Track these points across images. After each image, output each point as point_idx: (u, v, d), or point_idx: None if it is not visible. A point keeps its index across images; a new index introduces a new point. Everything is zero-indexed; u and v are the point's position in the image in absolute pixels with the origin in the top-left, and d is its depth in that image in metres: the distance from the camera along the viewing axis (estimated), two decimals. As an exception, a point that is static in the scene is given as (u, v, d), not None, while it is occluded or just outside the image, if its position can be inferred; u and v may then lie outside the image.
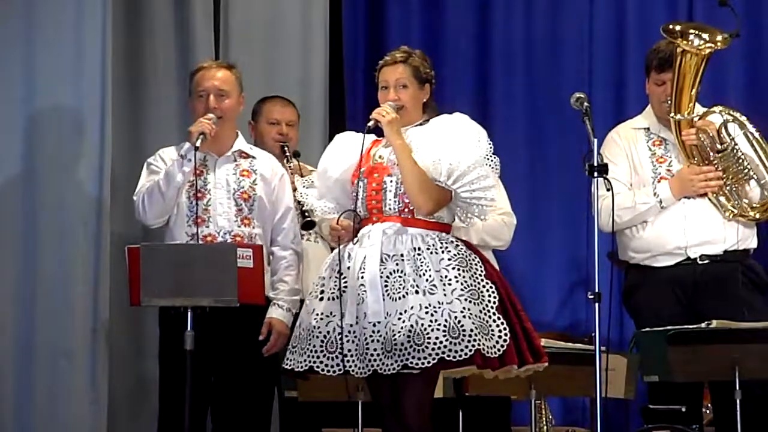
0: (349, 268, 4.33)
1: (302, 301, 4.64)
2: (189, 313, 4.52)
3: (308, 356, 4.31)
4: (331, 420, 5.51)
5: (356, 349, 4.24)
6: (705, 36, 5.03)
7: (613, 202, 4.61)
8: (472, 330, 4.16)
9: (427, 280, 4.23)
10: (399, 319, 4.18)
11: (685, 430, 4.82)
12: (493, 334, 4.22)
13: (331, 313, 4.31)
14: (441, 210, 4.39)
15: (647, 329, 4.81)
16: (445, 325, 4.15)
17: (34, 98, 5.38)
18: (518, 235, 5.31)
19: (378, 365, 4.18)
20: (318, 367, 4.28)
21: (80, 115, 5.42)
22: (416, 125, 4.50)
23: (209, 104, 4.88)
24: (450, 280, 4.23)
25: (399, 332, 4.16)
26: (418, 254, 4.28)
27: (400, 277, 4.25)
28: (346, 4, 6.48)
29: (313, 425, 5.46)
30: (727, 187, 5.10)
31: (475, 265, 4.32)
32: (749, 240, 5.14)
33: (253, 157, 4.99)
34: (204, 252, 4.63)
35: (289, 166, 5.19)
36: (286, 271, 4.93)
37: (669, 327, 4.65)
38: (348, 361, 4.24)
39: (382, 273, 4.26)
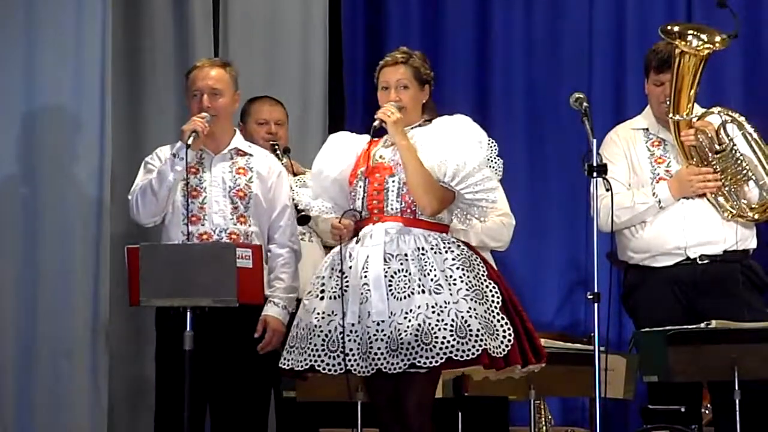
0: (350, 267, 4.33)
1: (299, 300, 4.64)
2: (188, 313, 4.52)
3: (309, 355, 4.30)
4: (330, 420, 5.51)
5: (358, 348, 4.24)
6: (703, 37, 5.03)
7: (612, 202, 4.61)
8: (478, 330, 4.17)
9: (432, 279, 4.23)
10: (405, 318, 4.19)
11: (685, 431, 4.82)
12: (498, 334, 4.23)
13: (332, 312, 4.31)
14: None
15: (646, 329, 4.81)
16: (452, 325, 4.16)
17: (33, 98, 5.39)
18: (518, 235, 5.31)
19: (383, 364, 4.18)
20: (319, 366, 4.28)
21: (80, 115, 5.43)
22: (416, 126, 4.50)
23: (203, 103, 4.89)
24: (455, 280, 4.24)
25: (405, 331, 4.16)
26: (422, 254, 4.28)
27: (405, 276, 4.25)
28: (345, 3, 6.49)
29: (310, 425, 5.46)
30: (726, 188, 5.10)
31: (478, 265, 4.33)
32: (749, 240, 5.15)
33: (250, 155, 4.99)
34: (203, 252, 4.62)
35: (282, 164, 5.19)
36: (282, 268, 4.93)
37: (668, 327, 4.65)
38: (350, 360, 4.24)
39: (386, 272, 4.27)
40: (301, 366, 4.32)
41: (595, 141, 4.47)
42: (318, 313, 4.33)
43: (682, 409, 4.93)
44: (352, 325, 4.26)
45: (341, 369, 4.25)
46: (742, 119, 5.12)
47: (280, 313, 4.85)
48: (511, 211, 5.26)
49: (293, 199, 4.94)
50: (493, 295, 4.28)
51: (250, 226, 4.90)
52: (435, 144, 4.39)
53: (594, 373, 4.34)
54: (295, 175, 5.21)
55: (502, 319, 4.26)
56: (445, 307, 4.19)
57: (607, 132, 5.29)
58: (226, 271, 4.48)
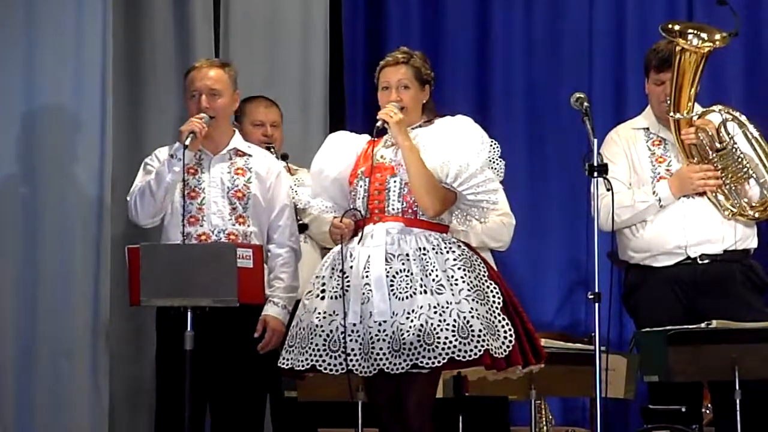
0: (351, 267, 4.33)
1: (298, 300, 4.64)
2: (189, 313, 4.52)
3: (310, 355, 4.30)
4: (329, 420, 5.51)
5: (360, 348, 4.24)
6: (704, 35, 5.03)
7: (613, 201, 4.61)
8: (480, 330, 4.17)
9: (434, 279, 4.23)
10: (407, 318, 4.18)
11: (685, 430, 4.82)
12: (500, 335, 4.23)
13: (333, 312, 4.31)
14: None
15: (647, 329, 4.81)
16: (454, 325, 4.16)
17: (33, 98, 5.38)
18: (518, 235, 5.31)
19: (385, 364, 4.18)
20: (320, 365, 4.28)
21: (80, 115, 5.42)
22: (417, 126, 4.50)
23: (201, 104, 4.88)
24: (456, 280, 4.24)
25: (408, 331, 4.16)
26: (424, 254, 4.28)
27: (407, 276, 4.25)
28: (346, 3, 6.48)
29: (310, 425, 5.46)
30: (726, 186, 5.10)
31: (479, 266, 4.33)
32: (749, 240, 5.14)
33: (249, 155, 4.99)
34: (204, 252, 4.63)
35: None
36: (282, 268, 4.92)
37: (669, 327, 4.65)
38: (351, 360, 4.24)
39: (387, 272, 4.26)
40: (302, 366, 4.32)
41: (596, 141, 4.47)
42: (319, 313, 4.33)
43: (683, 409, 4.93)
44: (354, 325, 4.26)
45: (342, 369, 4.25)
46: (742, 117, 5.12)
47: (279, 313, 4.85)
48: (511, 210, 5.26)
49: (293, 198, 4.95)
50: (494, 296, 4.29)
51: (248, 226, 4.90)
52: (437, 145, 4.39)
53: (594, 373, 4.34)
54: (292, 175, 5.21)
55: (503, 319, 4.26)
56: (447, 308, 4.19)
57: (607, 132, 5.29)
58: (226, 271, 4.48)
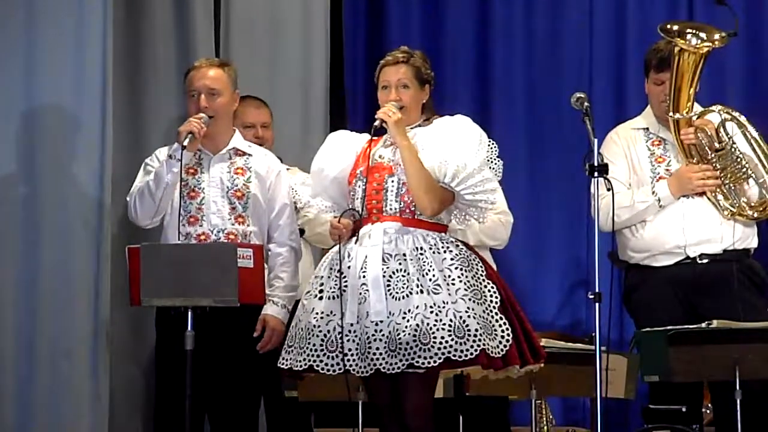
0: (349, 267, 4.33)
1: (298, 300, 4.64)
2: (189, 313, 4.52)
3: (308, 355, 4.31)
4: (328, 420, 5.51)
5: (357, 349, 4.24)
6: (702, 35, 5.04)
7: (613, 202, 4.61)
8: (477, 330, 4.17)
9: (430, 279, 4.23)
10: (404, 318, 4.19)
11: (686, 430, 4.83)
12: (497, 334, 4.23)
13: (331, 312, 4.31)
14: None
15: (647, 329, 4.81)
16: (450, 325, 4.16)
17: (34, 98, 5.37)
18: (518, 234, 5.31)
19: (381, 364, 4.18)
20: (318, 366, 4.28)
21: (80, 115, 5.41)
22: (416, 126, 4.50)
23: (200, 104, 4.88)
24: (453, 279, 4.24)
25: (404, 331, 4.16)
26: (421, 254, 4.28)
27: (403, 276, 4.25)
28: (346, 3, 6.48)
29: (308, 425, 5.46)
30: (726, 186, 5.10)
31: (476, 265, 4.33)
32: (750, 239, 5.15)
33: (249, 155, 4.99)
34: (204, 252, 4.63)
35: None
36: (281, 267, 4.92)
37: (669, 327, 4.66)
38: (348, 360, 4.24)
39: (384, 272, 4.27)
40: (300, 366, 4.32)
41: (596, 140, 4.48)
42: (317, 313, 4.33)
43: (683, 409, 4.94)
44: (351, 325, 4.27)
45: (340, 369, 4.26)
46: (742, 118, 5.13)
47: (279, 312, 4.85)
48: (511, 210, 5.26)
49: (294, 198, 4.95)
50: (491, 295, 4.28)
51: (248, 226, 4.90)
52: (435, 144, 4.39)
53: (595, 373, 4.34)
54: None
55: (501, 319, 4.26)
56: (444, 307, 4.19)
57: (607, 132, 5.30)
58: (226, 271, 4.48)
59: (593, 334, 4.41)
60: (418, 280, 4.24)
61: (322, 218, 5.00)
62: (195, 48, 5.76)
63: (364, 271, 4.29)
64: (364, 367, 4.22)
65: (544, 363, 4.39)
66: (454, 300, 4.21)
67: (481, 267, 4.34)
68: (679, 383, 4.81)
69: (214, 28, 5.90)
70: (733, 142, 5.09)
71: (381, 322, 4.22)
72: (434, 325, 4.16)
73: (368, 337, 4.22)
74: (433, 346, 4.14)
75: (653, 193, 5.14)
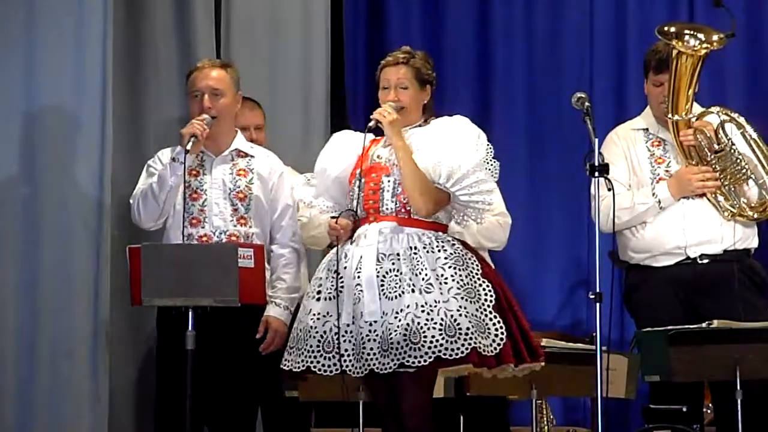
0: (345, 267, 4.33)
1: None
2: (190, 313, 4.52)
3: (305, 356, 4.32)
4: (328, 420, 5.51)
5: (353, 349, 4.25)
6: (700, 36, 5.04)
7: (614, 203, 4.61)
8: (468, 328, 4.16)
9: (423, 279, 4.23)
10: (395, 318, 4.19)
11: (686, 430, 4.83)
12: (490, 333, 4.23)
13: (328, 313, 4.32)
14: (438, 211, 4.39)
15: (648, 329, 4.81)
16: (441, 324, 4.16)
17: (34, 98, 5.37)
18: (519, 235, 5.31)
19: (375, 364, 4.19)
20: (315, 367, 4.29)
21: (80, 116, 5.40)
22: (416, 126, 4.50)
23: (204, 104, 4.88)
24: (446, 278, 4.24)
25: (395, 331, 4.16)
26: (415, 253, 4.28)
27: (396, 276, 4.25)
28: (347, 3, 6.48)
29: (306, 425, 5.46)
30: (726, 187, 5.11)
31: (472, 264, 4.32)
32: (750, 239, 5.15)
33: (252, 156, 4.99)
34: (205, 252, 4.64)
35: None
36: (284, 269, 4.93)
37: (670, 327, 4.66)
38: (345, 360, 4.24)
39: (378, 272, 4.27)
40: (298, 367, 4.33)
41: (596, 140, 4.48)
42: (314, 314, 4.34)
43: (684, 409, 4.94)
44: (348, 325, 4.27)
45: (336, 370, 4.26)
46: (741, 119, 5.14)
47: (281, 314, 4.85)
48: (511, 210, 5.26)
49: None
50: (486, 294, 4.28)
51: (250, 227, 4.90)
52: (431, 145, 4.39)
53: (596, 373, 4.34)
54: None
55: (495, 317, 4.25)
56: (435, 306, 4.19)
57: (608, 132, 5.29)
58: (227, 271, 4.48)
59: (594, 334, 4.42)
60: (410, 279, 4.24)
61: (316, 222, 5.00)
62: (195, 48, 5.75)
63: (358, 272, 4.29)
64: (359, 367, 4.23)
65: (543, 363, 4.38)
66: (446, 299, 4.21)
67: (476, 265, 4.33)
68: (680, 383, 4.82)
69: (215, 28, 5.89)
70: (733, 144, 5.10)
71: (375, 322, 4.22)
72: (425, 325, 4.16)
73: (362, 338, 4.23)
74: (423, 345, 4.14)
75: (653, 194, 5.14)
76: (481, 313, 4.24)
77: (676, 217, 5.13)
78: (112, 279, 5.36)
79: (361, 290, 4.26)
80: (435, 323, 4.16)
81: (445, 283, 4.24)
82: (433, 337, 4.15)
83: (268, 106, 5.71)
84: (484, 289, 4.28)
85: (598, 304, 4.38)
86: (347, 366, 4.25)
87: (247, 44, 5.97)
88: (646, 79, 5.26)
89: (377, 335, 4.21)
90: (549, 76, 6.52)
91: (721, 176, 5.09)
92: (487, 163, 4.39)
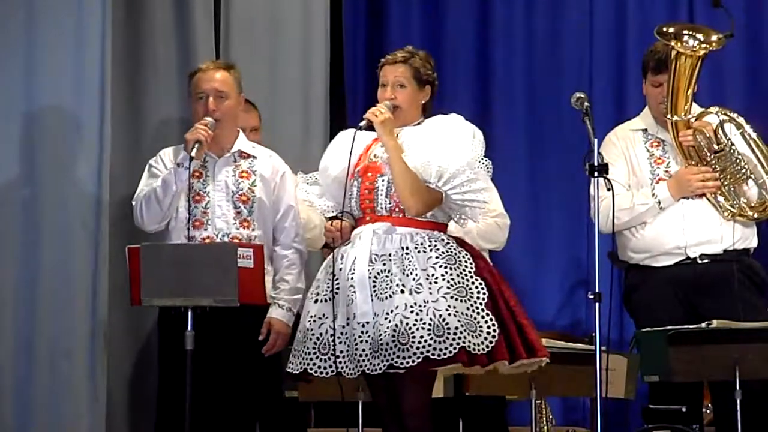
0: (341, 269, 4.33)
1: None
2: (189, 313, 4.52)
3: (302, 358, 4.33)
4: (328, 420, 5.51)
5: (347, 350, 4.25)
6: (699, 36, 5.04)
7: (613, 203, 4.61)
8: (457, 328, 4.16)
9: (413, 279, 4.23)
10: (386, 319, 4.19)
11: (686, 430, 4.82)
12: (482, 331, 4.21)
13: (323, 315, 4.33)
14: (434, 209, 4.38)
15: (647, 329, 4.81)
16: (430, 324, 4.16)
17: (34, 98, 5.37)
18: (519, 235, 5.31)
19: (366, 365, 4.20)
20: (311, 369, 4.30)
21: (80, 115, 5.40)
22: (415, 125, 4.49)
23: (209, 107, 4.88)
24: (437, 278, 4.24)
25: (385, 332, 4.16)
26: (406, 253, 4.28)
27: (387, 276, 4.26)
28: (346, 3, 6.48)
29: (303, 425, 5.46)
30: (725, 187, 5.10)
31: (465, 261, 4.31)
32: (749, 239, 5.15)
33: (254, 157, 4.99)
34: (204, 252, 4.63)
35: None
36: (287, 270, 4.92)
37: (669, 327, 4.66)
38: (340, 362, 4.24)
39: (370, 273, 4.27)
40: (297, 369, 4.34)
41: (596, 140, 4.48)
42: (311, 316, 4.35)
43: (683, 409, 4.93)
44: (343, 327, 4.27)
45: (332, 371, 4.27)
46: (740, 119, 5.14)
47: (284, 316, 4.85)
48: (511, 211, 5.26)
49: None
50: (478, 292, 4.26)
51: (253, 230, 4.90)
52: (422, 145, 4.38)
53: (595, 373, 4.34)
54: None
55: (487, 315, 4.24)
56: (424, 306, 4.19)
57: (607, 132, 5.29)
58: (226, 271, 4.48)
59: (593, 334, 4.41)
60: (400, 280, 4.24)
61: (311, 224, 5.03)
62: (195, 48, 5.75)
63: (352, 273, 4.29)
64: (353, 368, 4.24)
65: (547, 359, 4.36)
66: (435, 299, 4.20)
67: (469, 263, 4.31)
68: (679, 383, 4.81)
69: (214, 28, 5.89)
70: (732, 144, 5.10)
71: (367, 323, 4.23)
72: (414, 325, 4.16)
73: (355, 339, 4.23)
74: (411, 346, 4.14)
75: (653, 195, 5.14)
76: (473, 311, 4.23)
77: (675, 217, 5.13)
78: (109, 279, 5.36)
79: (354, 291, 4.26)
80: (424, 323, 4.16)
81: (435, 282, 4.23)
82: (421, 337, 4.14)
83: (267, 106, 5.71)
84: (476, 287, 4.27)
85: (597, 304, 4.37)
86: (342, 367, 4.25)
87: (247, 44, 5.97)
88: (644, 80, 5.26)
89: (369, 336, 4.21)
90: (549, 76, 6.51)
91: (721, 176, 5.09)
92: (480, 161, 4.37)
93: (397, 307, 4.19)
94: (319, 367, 4.29)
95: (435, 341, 4.14)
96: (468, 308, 4.22)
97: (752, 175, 5.10)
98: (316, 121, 6.06)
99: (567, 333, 5.92)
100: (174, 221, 4.89)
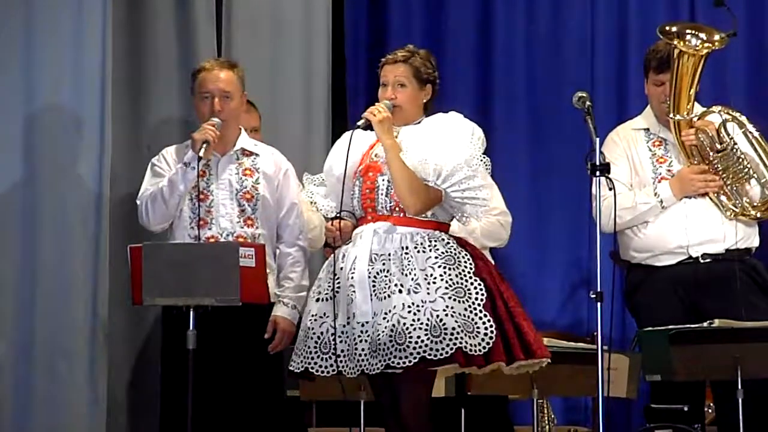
0: (342, 268, 4.33)
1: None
2: (191, 313, 4.52)
3: (304, 357, 4.32)
4: (329, 419, 5.51)
5: (348, 350, 4.24)
6: (702, 36, 5.04)
7: (615, 203, 4.61)
8: (454, 328, 4.15)
9: (412, 279, 4.23)
10: (384, 318, 4.19)
11: (688, 430, 4.82)
12: (479, 332, 4.20)
13: (324, 314, 4.33)
14: (434, 208, 4.37)
15: (649, 328, 4.80)
16: (427, 324, 4.15)
17: (33, 98, 5.37)
18: (520, 234, 5.30)
19: (365, 365, 4.20)
20: (312, 368, 4.30)
21: (80, 115, 5.41)
22: (411, 124, 4.49)
23: (214, 107, 4.87)
24: (435, 278, 4.23)
25: (383, 332, 4.16)
26: (405, 253, 4.28)
27: (386, 276, 4.25)
28: (348, 3, 6.48)
29: (302, 425, 5.46)
30: (728, 187, 5.10)
31: (464, 262, 4.30)
32: (752, 239, 5.15)
33: (256, 155, 4.98)
34: (206, 251, 4.63)
35: None
36: (291, 267, 4.92)
37: (671, 326, 4.65)
38: (341, 361, 4.24)
39: (369, 273, 4.27)
40: (298, 368, 4.34)
41: (597, 140, 4.47)
42: (312, 316, 4.35)
43: (685, 408, 4.93)
44: (343, 326, 4.27)
45: (333, 371, 4.26)
46: (742, 118, 5.14)
47: (289, 314, 4.85)
48: (513, 210, 5.26)
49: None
50: (477, 292, 4.25)
51: (257, 228, 4.89)
52: (420, 143, 4.38)
53: (597, 373, 4.33)
54: None
55: (485, 316, 4.23)
56: (422, 307, 4.19)
57: (609, 131, 5.29)
58: (228, 270, 4.48)
59: (595, 333, 4.41)
60: (398, 280, 4.23)
61: (311, 224, 5.03)
62: (196, 47, 5.75)
63: (352, 272, 4.29)
64: (353, 368, 4.24)
65: (548, 361, 4.35)
66: (433, 299, 4.20)
67: (469, 263, 4.30)
68: (681, 382, 4.81)
69: (216, 28, 5.89)
70: (735, 143, 5.10)
71: (366, 323, 4.22)
72: (411, 325, 4.16)
73: (354, 338, 4.24)
74: (408, 346, 4.13)
75: (655, 194, 5.13)
76: (470, 312, 4.21)
77: (678, 217, 5.13)
78: (111, 278, 5.36)
79: (354, 291, 4.26)
80: (421, 324, 4.16)
81: (434, 282, 4.22)
82: (418, 337, 4.14)
83: (268, 105, 5.71)
84: (474, 288, 4.26)
85: (599, 304, 4.37)
86: (343, 367, 4.25)
87: (248, 44, 5.97)
88: (646, 79, 5.25)
89: (368, 336, 4.21)
90: (550, 75, 6.52)
91: (724, 175, 5.09)
92: (477, 158, 4.36)
93: (395, 306, 4.19)
94: (320, 366, 4.29)
95: (432, 341, 4.13)
96: (466, 309, 4.21)
97: (755, 175, 5.09)
98: (317, 121, 6.07)
99: (569, 332, 5.91)
100: (177, 219, 4.88)
